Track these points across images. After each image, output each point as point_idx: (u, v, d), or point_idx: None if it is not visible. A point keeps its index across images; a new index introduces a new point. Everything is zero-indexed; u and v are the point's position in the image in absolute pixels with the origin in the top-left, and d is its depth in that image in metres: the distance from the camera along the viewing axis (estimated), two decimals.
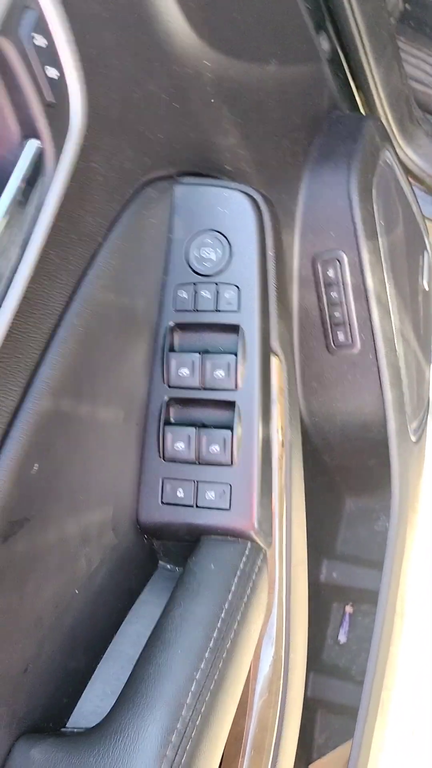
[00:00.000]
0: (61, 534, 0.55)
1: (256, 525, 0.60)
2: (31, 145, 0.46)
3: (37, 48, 0.45)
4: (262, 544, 0.62)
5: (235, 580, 0.59)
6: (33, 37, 0.44)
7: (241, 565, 0.60)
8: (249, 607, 0.58)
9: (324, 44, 0.86)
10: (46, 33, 0.46)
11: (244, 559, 0.60)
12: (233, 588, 0.58)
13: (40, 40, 0.45)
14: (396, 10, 1.16)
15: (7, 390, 0.49)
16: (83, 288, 0.57)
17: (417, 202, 0.96)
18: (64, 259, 0.54)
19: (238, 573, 0.59)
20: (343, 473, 0.92)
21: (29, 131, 0.46)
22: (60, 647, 0.55)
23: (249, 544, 0.61)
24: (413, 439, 0.88)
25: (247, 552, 0.60)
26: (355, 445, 0.85)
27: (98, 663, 0.61)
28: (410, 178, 1.10)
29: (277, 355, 0.64)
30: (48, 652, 0.54)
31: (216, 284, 0.63)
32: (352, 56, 0.90)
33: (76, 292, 0.56)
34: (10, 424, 0.49)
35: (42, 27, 0.45)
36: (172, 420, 0.64)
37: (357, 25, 0.86)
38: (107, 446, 0.61)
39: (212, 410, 0.62)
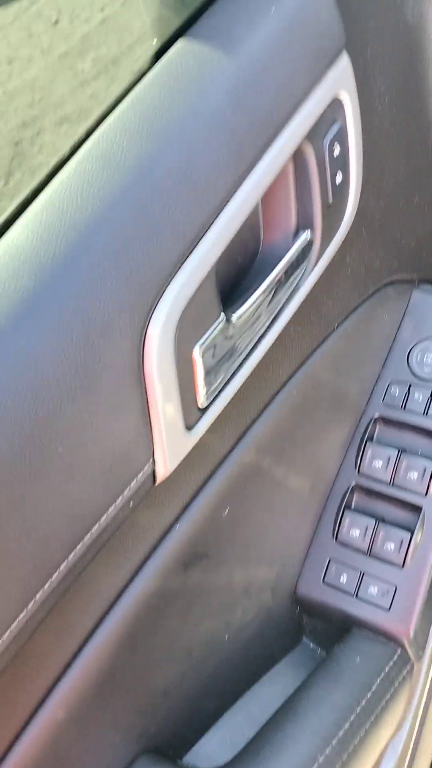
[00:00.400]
0: (229, 579, 0.59)
1: (411, 634, 0.60)
2: (304, 236, 0.51)
3: (331, 155, 0.51)
4: (411, 656, 0.61)
5: (378, 681, 0.58)
6: (333, 147, 0.50)
7: (387, 669, 0.59)
8: (384, 712, 0.58)
9: None
10: (343, 143, 0.52)
11: (391, 663, 0.60)
12: (374, 688, 0.58)
13: (336, 149, 0.51)
14: None
15: (226, 438, 0.55)
16: (308, 363, 0.61)
17: None
18: (300, 335, 0.59)
19: (382, 675, 0.59)
20: None
21: (306, 224, 0.52)
22: (199, 684, 0.58)
23: (399, 651, 0.60)
24: None
25: (395, 658, 0.60)
26: None
27: (224, 712, 0.63)
28: None
29: None
30: (188, 685, 0.58)
31: None
32: None
33: (302, 365, 0.61)
34: (218, 467, 0.55)
35: (341, 138, 0.52)
36: (353, 506, 0.66)
37: None
38: (287, 512, 0.64)
39: (396, 508, 0.63)
